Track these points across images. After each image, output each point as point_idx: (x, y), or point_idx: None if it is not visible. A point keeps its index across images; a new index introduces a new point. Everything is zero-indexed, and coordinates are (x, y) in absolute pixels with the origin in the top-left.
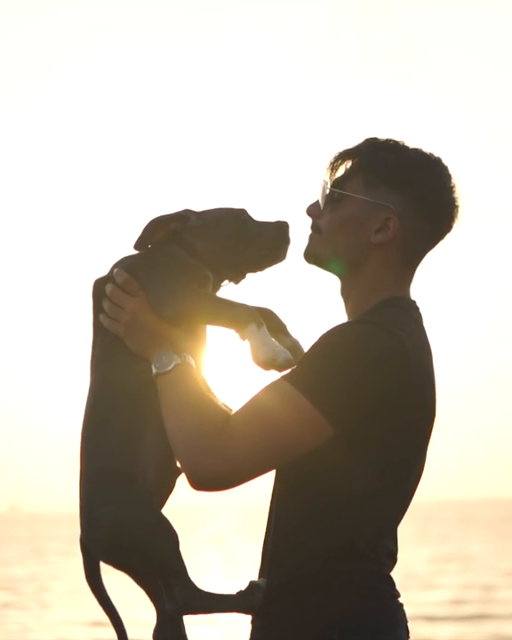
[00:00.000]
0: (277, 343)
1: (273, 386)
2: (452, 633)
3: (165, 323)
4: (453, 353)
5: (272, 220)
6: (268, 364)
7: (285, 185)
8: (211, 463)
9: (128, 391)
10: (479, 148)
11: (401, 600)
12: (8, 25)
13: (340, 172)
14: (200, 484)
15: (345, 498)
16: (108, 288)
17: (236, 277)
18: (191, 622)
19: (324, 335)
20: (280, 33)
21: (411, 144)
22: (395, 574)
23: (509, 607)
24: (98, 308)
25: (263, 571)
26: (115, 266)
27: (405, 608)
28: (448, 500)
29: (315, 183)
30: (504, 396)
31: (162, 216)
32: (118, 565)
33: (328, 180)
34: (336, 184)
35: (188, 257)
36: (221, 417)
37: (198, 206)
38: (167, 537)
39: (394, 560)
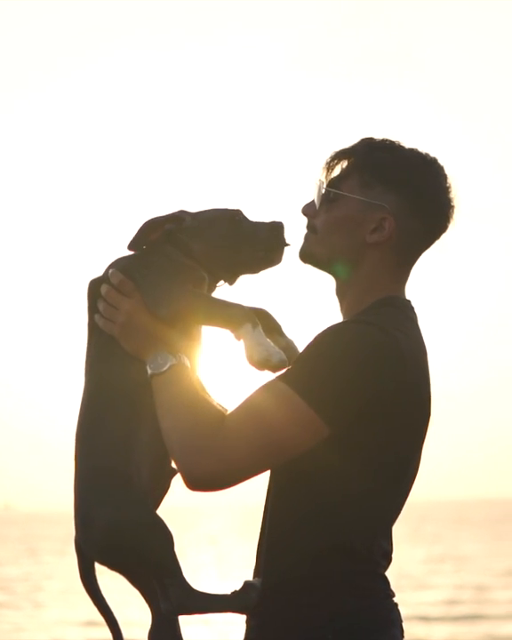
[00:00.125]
0: (272, 343)
1: (268, 386)
2: (445, 633)
3: (160, 323)
4: (448, 353)
5: (267, 220)
6: (262, 365)
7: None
8: (206, 463)
9: (123, 392)
10: (475, 149)
11: (395, 600)
12: (6, 25)
13: (336, 171)
14: (196, 484)
15: (340, 497)
16: (104, 289)
17: (231, 278)
18: (185, 622)
19: (319, 335)
20: (275, 32)
21: (406, 144)
22: (389, 574)
23: (503, 607)
24: (93, 309)
25: (258, 570)
26: (110, 266)
27: (399, 608)
28: (442, 500)
29: (310, 183)
30: (498, 396)
31: (157, 217)
32: (113, 566)
33: (324, 180)
34: (332, 184)
35: (184, 258)
36: (217, 417)
37: (193, 206)
38: (162, 537)
39: (389, 560)
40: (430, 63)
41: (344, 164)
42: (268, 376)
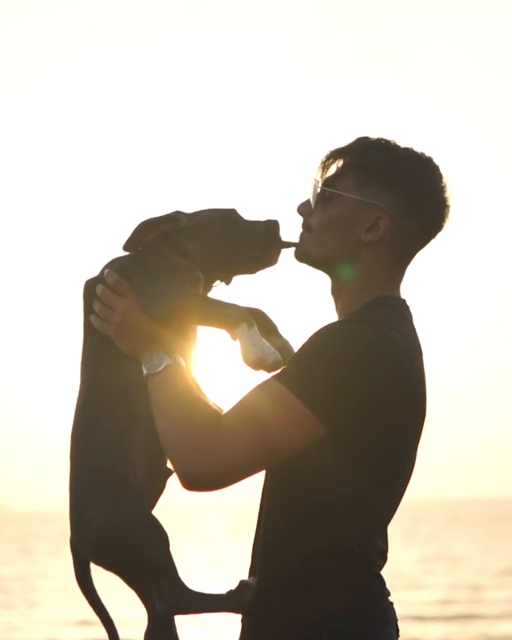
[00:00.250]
0: (268, 343)
1: (263, 385)
2: (440, 633)
3: (156, 323)
4: (443, 353)
5: (263, 219)
6: (257, 365)
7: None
8: (202, 463)
9: (119, 392)
10: (470, 149)
11: (391, 599)
12: (4, 24)
13: (332, 170)
14: (192, 483)
15: (335, 496)
16: (99, 289)
17: (228, 278)
18: (180, 622)
19: (314, 334)
20: (269, 33)
21: (402, 143)
22: (383, 573)
23: (497, 607)
24: (88, 309)
25: (253, 570)
26: (105, 267)
27: (394, 607)
28: (436, 499)
29: (305, 182)
30: (493, 396)
31: (152, 218)
32: (108, 566)
33: (319, 179)
34: (327, 183)
35: (180, 258)
36: (212, 417)
37: (190, 206)
38: (157, 537)
39: (384, 559)
40: (426, 64)
41: (339, 163)
42: (264, 376)
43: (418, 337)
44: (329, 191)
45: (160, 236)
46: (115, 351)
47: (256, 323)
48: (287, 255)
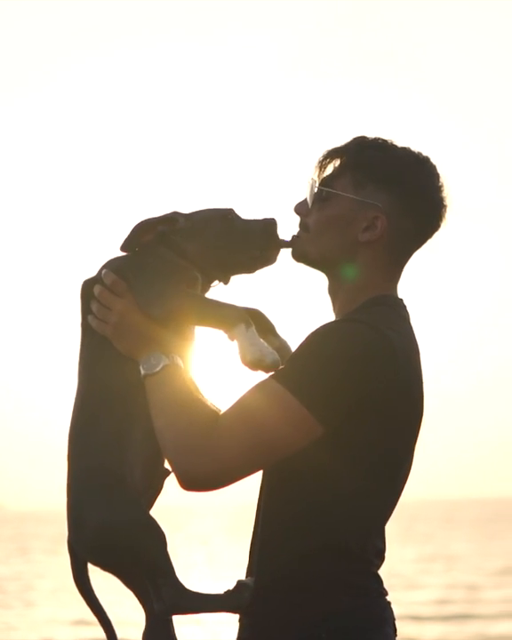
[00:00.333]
0: (265, 344)
1: (261, 385)
2: (436, 633)
3: (153, 324)
4: (441, 353)
5: (260, 218)
6: (255, 365)
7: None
8: (200, 463)
9: (116, 392)
10: (468, 148)
11: (388, 598)
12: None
13: (329, 170)
14: (190, 484)
15: (332, 496)
16: (96, 289)
17: (226, 278)
18: (178, 622)
19: (311, 334)
20: (269, 32)
21: (399, 143)
22: (380, 573)
23: (494, 607)
24: (86, 309)
25: (251, 569)
26: (103, 267)
27: (392, 607)
28: (433, 499)
29: (303, 182)
30: (490, 396)
31: (149, 218)
32: (105, 566)
33: (316, 179)
34: (324, 182)
35: (178, 258)
36: (210, 417)
37: (188, 205)
38: (155, 537)
39: (382, 558)
40: (425, 63)
41: (336, 162)
42: (262, 376)
43: (415, 336)
44: (326, 191)
45: (158, 237)
46: (112, 351)
47: (254, 323)
48: (285, 255)
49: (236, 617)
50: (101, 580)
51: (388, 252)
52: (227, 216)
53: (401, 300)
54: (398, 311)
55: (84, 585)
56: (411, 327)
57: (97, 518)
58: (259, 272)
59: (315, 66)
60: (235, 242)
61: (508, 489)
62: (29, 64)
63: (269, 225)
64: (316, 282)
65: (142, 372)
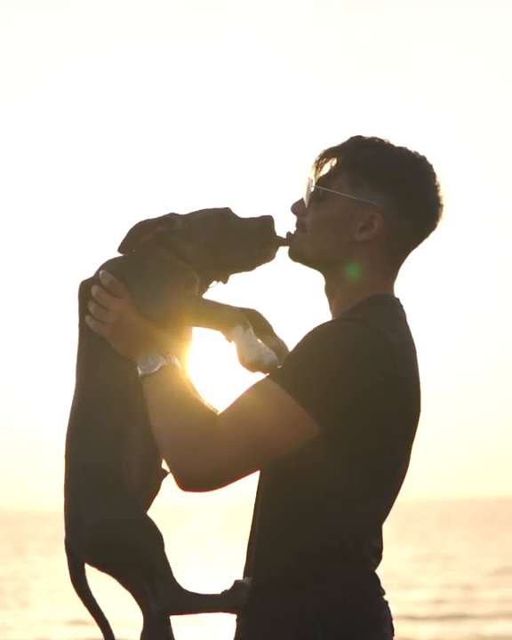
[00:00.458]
0: (263, 345)
1: (258, 385)
2: (432, 633)
3: (151, 324)
4: (437, 353)
5: (257, 215)
6: (253, 366)
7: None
8: (198, 463)
9: (114, 392)
10: (464, 148)
11: (385, 598)
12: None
13: (325, 170)
14: (187, 484)
15: (329, 495)
16: (94, 290)
17: (225, 277)
18: (175, 622)
19: (308, 334)
20: (265, 31)
21: (396, 143)
22: (378, 572)
23: (490, 607)
24: (84, 310)
25: (248, 569)
26: (101, 268)
27: (389, 606)
28: (429, 499)
29: (299, 181)
30: (486, 396)
31: (147, 220)
32: (103, 567)
33: (313, 178)
34: (321, 182)
35: (176, 259)
36: (208, 417)
37: (185, 204)
38: (152, 537)
39: (379, 558)
40: (421, 63)
41: (333, 162)
42: (260, 377)
43: (412, 336)
44: (323, 190)
45: (156, 238)
46: (110, 352)
47: (251, 323)
48: (282, 255)
49: (234, 617)
50: (99, 580)
51: (385, 252)
52: (224, 215)
53: (397, 299)
54: (395, 310)
55: (82, 585)
56: (408, 327)
57: (94, 518)
58: (257, 271)
59: (311, 65)
60: (233, 240)
61: (504, 489)
62: (24, 64)
63: (266, 222)
64: (312, 281)
65: (140, 372)
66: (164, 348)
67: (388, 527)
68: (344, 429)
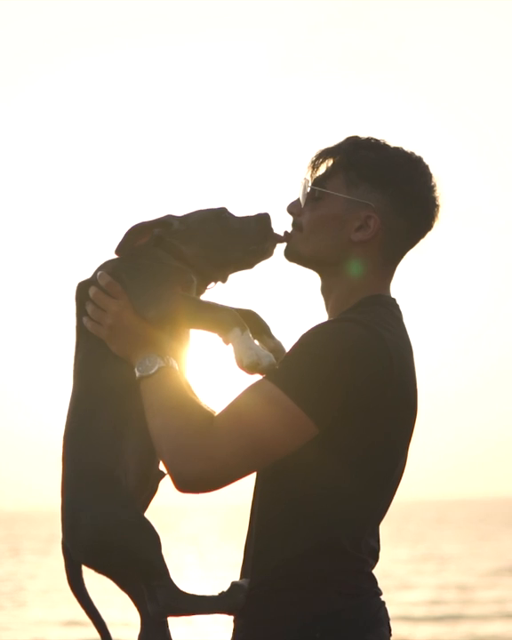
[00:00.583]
0: (261, 347)
1: (256, 386)
2: (428, 633)
3: (148, 326)
4: (433, 354)
5: (253, 214)
6: (251, 368)
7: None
8: (195, 465)
9: (111, 393)
10: (460, 148)
11: (383, 598)
12: None
13: (322, 170)
14: (185, 485)
15: (327, 495)
16: (92, 291)
17: (224, 276)
18: (171, 623)
19: (305, 334)
20: (258, 32)
21: (392, 143)
22: (375, 572)
23: (485, 608)
24: (81, 311)
25: (245, 569)
26: (98, 269)
27: (386, 607)
28: (425, 500)
29: (295, 182)
30: (482, 397)
31: (144, 222)
32: (100, 568)
33: (309, 179)
34: (317, 182)
35: (174, 261)
36: (205, 419)
37: (180, 205)
38: (149, 539)
39: (376, 558)
40: (417, 64)
41: (329, 162)
42: (257, 379)
43: (408, 336)
44: (319, 190)
45: (153, 240)
46: (107, 353)
47: (248, 324)
48: (279, 256)
49: (231, 617)
50: (96, 581)
51: (381, 252)
52: (220, 215)
53: (394, 299)
54: (392, 311)
55: (79, 587)
56: (404, 327)
57: (91, 520)
58: (254, 272)
59: (305, 66)
60: (231, 239)
61: (499, 489)
62: (15, 66)
63: (263, 219)
64: (309, 282)
65: (137, 373)
66: (162, 350)
67: (384, 528)
68: (341, 430)
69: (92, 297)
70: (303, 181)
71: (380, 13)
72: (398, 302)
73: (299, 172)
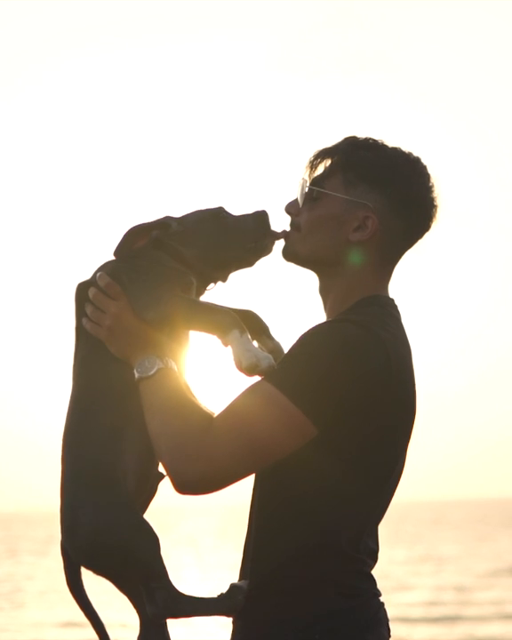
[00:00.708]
0: (260, 349)
1: (255, 387)
2: (426, 634)
3: (148, 327)
4: (430, 354)
5: (250, 212)
6: (250, 370)
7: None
8: (194, 466)
9: (110, 395)
10: (457, 148)
11: (382, 599)
12: None
13: (320, 170)
14: (184, 487)
15: (326, 496)
16: (91, 292)
17: (225, 276)
18: (170, 624)
19: (303, 335)
20: (255, 32)
21: (390, 143)
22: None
23: (483, 609)
24: (80, 312)
25: (245, 570)
26: (98, 270)
27: (385, 608)
28: (422, 500)
29: (292, 182)
30: (479, 398)
31: (142, 224)
32: (99, 570)
33: (307, 179)
34: (315, 182)
35: (174, 262)
36: (204, 420)
37: (177, 204)
38: (148, 541)
39: (375, 559)
40: (413, 63)
41: (327, 162)
42: (256, 380)
43: (407, 336)
44: (317, 190)
45: (152, 242)
46: (106, 354)
47: (248, 324)
48: (278, 258)
49: (230, 619)
50: (94, 582)
51: (380, 252)
52: (218, 214)
53: (392, 300)
54: (390, 311)
55: (78, 588)
56: (402, 327)
57: (90, 521)
58: (253, 273)
59: (303, 65)
60: (229, 238)
61: (497, 490)
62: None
63: (260, 216)
64: (309, 282)
65: (136, 375)
66: (161, 351)
67: (381, 529)
68: (340, 430)
69: (91, 298)
70: (301, 181)
71: (377, 13)
72: (396, 302)
73: (297, 172)
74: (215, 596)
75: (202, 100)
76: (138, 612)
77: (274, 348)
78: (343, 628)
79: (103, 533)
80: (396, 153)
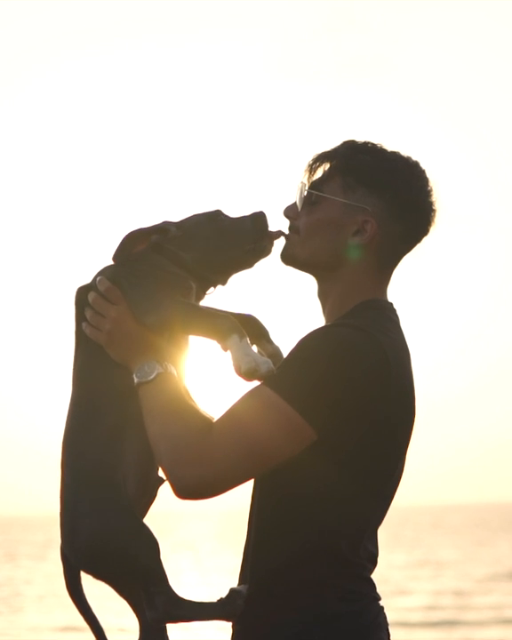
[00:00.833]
0: (259, 354)
1: (254, 392)
2: (425, 639)
3: (147, 332)
4: (429, 359)
5: (248, 213)
6: (250, 375)
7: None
8: (194, 471)
9: (110, 399)
10: (456, 152)
11: (381, 603)
12: None
13: (318, 174)
14: (184, 492)
15: (325, 500)
16: (91, 296)
17: (224, 279)
18: (169, 629)
19: (302, 339)
20: (254, 37)
21: (389, 147)
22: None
23: (482, 613)
24: (80, 317)
25: (244, 574)
26: (98, 274)
27: (384, 612)
28: (421, 505)
29: (291, 185)
30: (478, 402)
31: (141, 228)
32: (99, 575)
33: (306, 182)
34: (314, 186)
35: (173, 267)
36: (204, 425)
37: (177, 207)
38: (147, 545)
39: (374, 563)
40: (413, 68)
41: (326, 166)
42: (255, 384)
43: (405, 340)
44: (316, 194)
45: (152, 247)
46: (106, 358)
47: (247, 329)
48: (277, 261)
49: (229, 623)
50: (94, 587)
51: (378, 256)
52: (215, 217)
53: (391, 303)
54: (388, 315)
55: (78, 593)
56: (401, 331)
57: (90, 526)
58: (253, 276)
59: (302, 69)
60: (228, 240)
61: (495, 494)
62: (11, 66)
63: (258, 217)
64: (308, 286)
65: (136, 379)
66: (160, 356)
67: (380, 533)
68: (340, 434)
69: (91, 302)
70: (300, 185)
71: (375, 18)
72: (395, 306)
73: (296, 176)
74: (215, 600)
75: (201, 103)
76: (137, 616)
77: (273, 352)
78: (343, 632)
79: (103, 538)
80: (395, 157)
